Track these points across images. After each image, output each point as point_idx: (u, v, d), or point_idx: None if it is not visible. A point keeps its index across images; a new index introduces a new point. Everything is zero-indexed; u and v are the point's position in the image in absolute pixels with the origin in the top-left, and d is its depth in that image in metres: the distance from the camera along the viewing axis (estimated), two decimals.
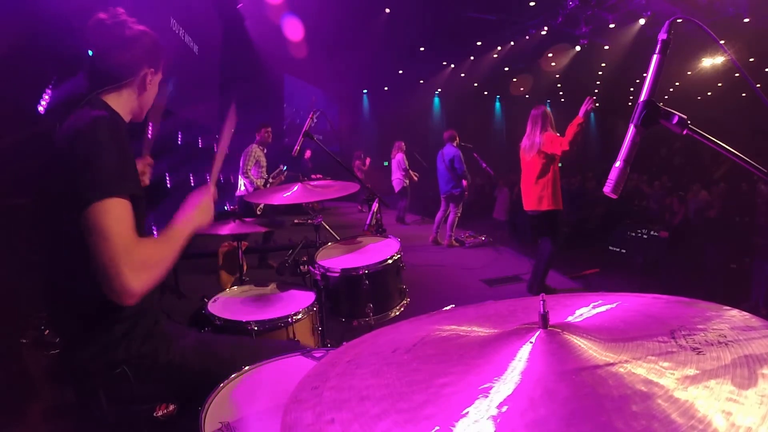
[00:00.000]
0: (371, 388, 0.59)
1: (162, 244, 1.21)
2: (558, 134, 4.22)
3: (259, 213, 4.94)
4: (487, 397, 0.52)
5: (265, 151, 5.29)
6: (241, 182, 5.27)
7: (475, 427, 0.48)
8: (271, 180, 5.89)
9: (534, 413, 0.48)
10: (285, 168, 6.25)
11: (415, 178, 8.97)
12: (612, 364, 0.54)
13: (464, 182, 6.81)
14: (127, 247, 1.09)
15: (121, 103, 1.37)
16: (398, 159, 8.88)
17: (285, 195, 2.32)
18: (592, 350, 0.58)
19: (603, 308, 0.74)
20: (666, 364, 0.54)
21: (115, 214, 1.10)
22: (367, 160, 11.33)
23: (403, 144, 9.07)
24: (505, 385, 0.53)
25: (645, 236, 6.48)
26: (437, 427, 0.49)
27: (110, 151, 1.15)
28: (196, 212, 1.33)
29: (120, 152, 1.17)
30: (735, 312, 0.66)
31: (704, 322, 0.64)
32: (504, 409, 0.49)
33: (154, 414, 1.17)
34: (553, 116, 4.35)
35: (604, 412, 0.47)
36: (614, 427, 0.45)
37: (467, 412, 0.50)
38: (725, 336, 0.59)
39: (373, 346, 0.74)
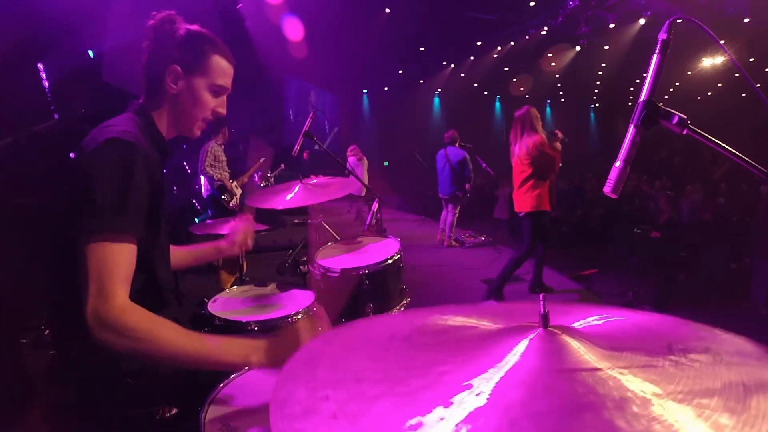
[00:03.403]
0: (367, 371, 0.59)
1: (170, 335, 1.04)
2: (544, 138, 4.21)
3: (231, 209, 5.03)
4: (479, 386, 0.52)
5: (223, 147, 5.35)
6: (202, 179, 5.33)
7: (473, 417, 0.48)
8: (270, 176, 5.94)
9: (531, 405, 0.49)
10: (283, 167, 6.28)
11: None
12: (606, 370, 0.55)
13: (467, 185, 6.81)
14: (101, 293, 1.01)
15: (163, 114, 1.30)
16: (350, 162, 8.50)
17: (287, 198, 2.31)
18: (588, 354, 0.58)
19: (603, 320, 0.74)
20: (659, 377, 0.54)
21: (100, 254, 1.03)
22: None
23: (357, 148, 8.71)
24: (499, 377, 0.54)
25: (640, 236, 6.51)
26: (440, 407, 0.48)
27: (113, 182, 1.07)
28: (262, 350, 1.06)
29: (127, 183, 1.08)
30: (728, 336, 0.67)
31: (700, 340, 0.65)
32: (490, 400, 0.50)
33: (157, 417, 1.17)
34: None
35: (594, 409, 0.47)
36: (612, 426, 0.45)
37: (461, 399, 0.50)
38: (720, 356, 0.60)
39: (367, 332, 0.74)
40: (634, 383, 0.52)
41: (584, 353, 0.58)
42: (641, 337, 0.66)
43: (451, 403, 0.49)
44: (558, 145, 4.30)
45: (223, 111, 1.37)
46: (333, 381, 0.57)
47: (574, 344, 0.60)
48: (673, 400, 0.50)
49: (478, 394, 0.50)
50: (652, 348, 0.61)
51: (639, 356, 0.59)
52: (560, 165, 4.33)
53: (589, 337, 0.63)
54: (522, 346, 0.59)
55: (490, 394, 0.50)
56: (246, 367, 1.12)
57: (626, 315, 0.76)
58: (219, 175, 5.22)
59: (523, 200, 4.30)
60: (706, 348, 0.62)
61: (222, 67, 1.33)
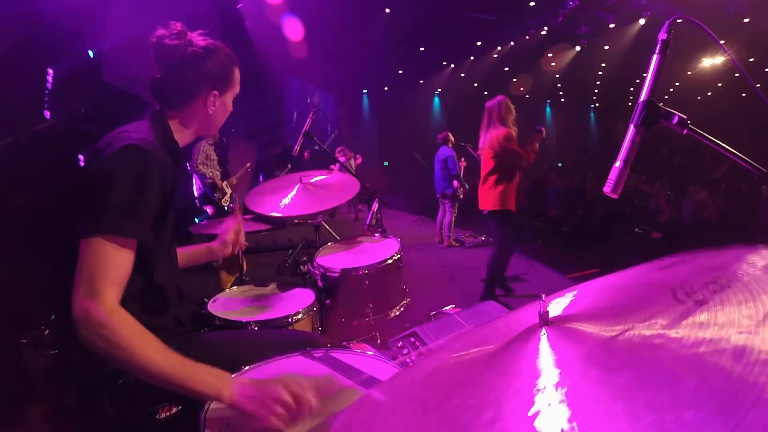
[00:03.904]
0: (390, 425, 0.59)
1: (151, 353, 1.01)
2: (514, 132, 3.94)
3: (230, 208, 5.05)
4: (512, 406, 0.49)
5: (214, 146, 5.42)
6: (194, 178, 5.37)
7: None
8: (277, 176, 6.01)
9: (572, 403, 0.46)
10: (290, 166, 6.34)
11: None
12: (618, 335, 0.52)
13: (455, 183, 6.95)
14: (91, 290, 1.01)
15: (182, 124, 1.31)
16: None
17: (284, 201, 2.30)
18: (600, 331, 0.55)
19: (595, 292, 0.72)
20: (684, 321, 0.50)
21: (98, 252, 1.04)
22: (358, 159, 10.28)
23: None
24: (564, 394, 0.48)
25: (640, 236, 6.52)
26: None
27: (127, 187, 1.08)
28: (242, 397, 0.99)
29: (140, 189, 1.09)
30: (733, 251, 0.62)
31: (702, 270, 0.61)
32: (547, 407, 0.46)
33: (157, 416, 1.17)
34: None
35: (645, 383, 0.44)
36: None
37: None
38: (726, 277, 0.56)
39: (392, 387, 0.74)
40: (650, 337, 0.50)
41: (593, 332, 0.55)
42: (644, 295, 0.62)
43: None
44: (536, 145, 3.95)
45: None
46: None
47: (587, 327, 0.57)
48: (694, 335, 0.47)
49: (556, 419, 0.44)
50: (660, 301, 0.57)
51: (646, 312, 0.55)
52: (528, 164, 3.97)
53: (591, 314, 0.60)
54: (546, 355, 0.54)
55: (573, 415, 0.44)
56: (213, 401, 1.05)
57: (618, 278, 0.73)
58: (210, 173, 5.26)
59: (487, 197, 4.09)
60: (713, 278, 0.57)
61: (238, 76, 1.39)
